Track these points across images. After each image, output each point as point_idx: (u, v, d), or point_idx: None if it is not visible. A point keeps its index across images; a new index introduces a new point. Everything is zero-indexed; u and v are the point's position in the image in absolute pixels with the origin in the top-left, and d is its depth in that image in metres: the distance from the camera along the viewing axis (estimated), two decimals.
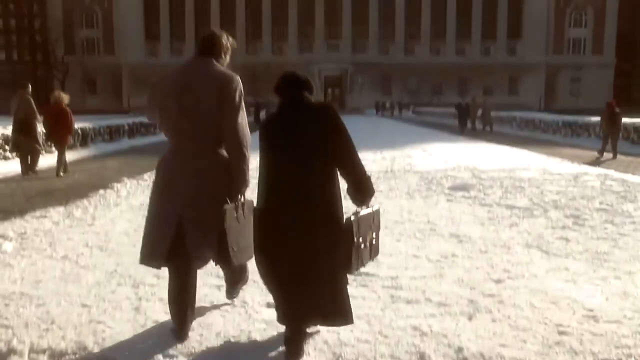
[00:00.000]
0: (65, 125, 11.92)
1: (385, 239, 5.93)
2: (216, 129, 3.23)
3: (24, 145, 11.92)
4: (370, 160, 13.89)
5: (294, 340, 3.16)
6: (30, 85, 12.53)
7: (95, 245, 5.79)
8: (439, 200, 8.36)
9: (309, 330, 3.36)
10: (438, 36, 76.59)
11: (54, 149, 12.88)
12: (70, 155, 15.44)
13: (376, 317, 3.79)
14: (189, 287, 3.40)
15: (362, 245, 3.14)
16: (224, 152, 3.30)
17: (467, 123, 28.17)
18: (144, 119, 25.27)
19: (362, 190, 3.17)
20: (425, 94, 74.07)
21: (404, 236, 6.12)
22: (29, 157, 12.03)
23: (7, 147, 13.49)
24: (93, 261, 5.20)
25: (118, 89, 75.32)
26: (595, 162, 14.31)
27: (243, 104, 3.31)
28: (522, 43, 76.77)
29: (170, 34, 77.01)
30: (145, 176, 11.10)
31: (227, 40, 3.52)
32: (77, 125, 16.05)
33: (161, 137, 23.91)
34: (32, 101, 12.02)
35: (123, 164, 14.05)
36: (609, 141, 16.03)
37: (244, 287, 4.05)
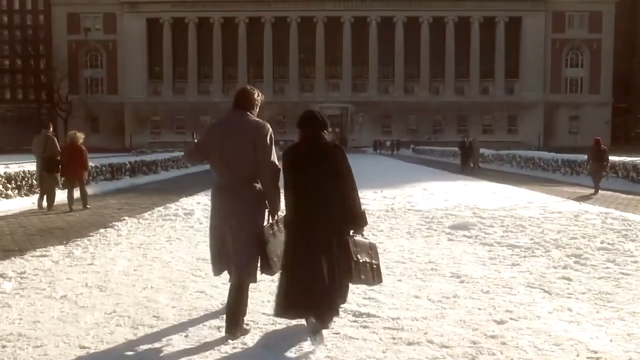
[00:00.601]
0: (80, 162, 12.60)
1: (386, 279, 5.89)
2: (252, 166, 4.12)
3: (48, 181, 12.67)
4: (371, 199, 13.91)
5: (314, 326, 4.00)
6: (51, 125, 13.54)
7: (94, 285, 5.75)
8: (440, 240, 8.34)
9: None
10: (437, 76, 77.78)
11: (62, 185, 13.45)
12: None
13: None
14: (240, 293, 4.21)
15: (360, 260, 4.01)
16: (258, 184, 4.17)
17: (470, 162, 28.00)
18: (145, 158, 25.45)
19: (355, 216, 4.08)
20: (424, 133, 74.71)
21: (405, 276, 6.09)
22: (48, 193, 12.67)
23: (9, 186, 13.55)
24: (92, 301, 5.17)
25: (120, 127, 76.08)
26: (581, 198, 14.78)
27: (273, 144, 4.21)
28: (520, 83, 77.90)
29: (173, 74, 78.23)
30: (146, 215, 11.10)
31: (257, 95, 4.38)
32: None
33: (162, 176, 24.07)
34: (56, 140, 12.93)
35: (124, 202, 14.06)
36: (597, 177, 16.67)
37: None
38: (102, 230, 9.21)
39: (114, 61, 78.28)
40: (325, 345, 3.94)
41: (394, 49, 76.46)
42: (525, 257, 7.09)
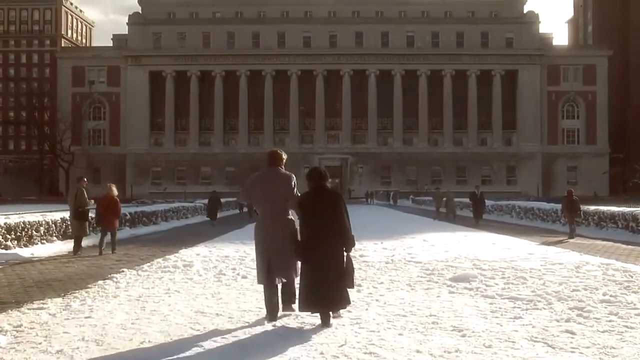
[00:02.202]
0: (114, 212, 14.17)
1: (387, 333, 5.83)
2: (285, 203, 6.29)
3: (79, 228, 14.01)
4: (372, 250, 13.85)
5: (325, 316, 6.03)
6: (85, 179, 14.93)
7: (91, 339, 5.67)
8: (440, 292, 8.26)
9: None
10: (435, 127, 78.87)
11: (98, 232, 14.97)
12: (71, 245, 15.45)
13: None
14: (275, 294, 6.41)
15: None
16: (290, 217, 6.36)
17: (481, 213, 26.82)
18: (145, 208, 25.49)
19: (347, 242, 6.09)
20: (424, 184, 75.04)
21: (406, 330, 6.01)
22: (75, 239, 13.97)
23: (8, 236, 13.54)
24: (88, 356, 5.09)
25: (121, 178, 76.36)
26: (555, 242, 16.22)
27: (297, 188, 6.41)
28: (517, 134, 78.91)
29: (174, 126, 79.27)
30: (145, 266, 11.03)
31: (283, 155, 6.60)
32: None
33: (162, 227, 24.04)
34: (85, 192, 14.25)
35: (123, 253, 13.98)
36: (571, 223, 18.49)
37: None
38: (100, 282, 9.14)
39: (116, 113, 79.56)
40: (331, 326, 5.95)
41: (392, 101, 77.83)
42: (527, 309, 7.01)
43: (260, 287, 6.75)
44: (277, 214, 6.25)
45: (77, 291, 8.39)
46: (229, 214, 37.41)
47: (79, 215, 13.90)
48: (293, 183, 6.32)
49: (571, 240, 17.18)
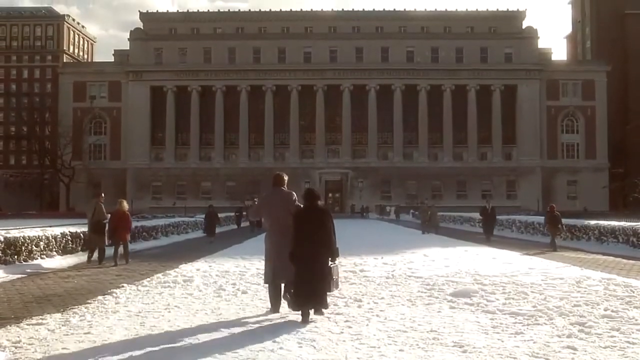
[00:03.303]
0: (126, 226, 15.26)
1: (387, 349, 5.81)
2: (289, 218, 7.44)
3: (97, 241, 15.15)
4: (372, 265, 13.81)
5: (304, 314, 7.14)
6: (103, 195, 16.33)
7: (90, 355, 5.64)
8: (441, 308, 8.23)
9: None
10: (435, 142, 79.04)
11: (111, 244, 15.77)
12: (71, 260, 15.42)
13: None
14: (278, 292, 7.80)
15: (334, 278, 7.40)
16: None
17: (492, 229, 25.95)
18: (145, 223, 25.46)
19: (331, 252, 7.38)
20: (424, 198, 74.88)
21: (407, 345, 5.98)
22: (98, 251, 15.16)
23: (8, 252, 13.51)
24: None
25: (122, 192, 76.25)
26: (540, 253, 17.58)
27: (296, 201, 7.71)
28: (517, 148, 79.05)
29: (175, 140, 79.44)
30: (145, 282, 10.99)
31: (285, 177, 7.98)
32: (78, 229, 17.20)
33: (162, 241, 23.96)
34: (103, 207, 15.36)
35: (123, 268, 13.95)
36: (553, 236, 20.03)
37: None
38: (100, 298, 9.11)
39: (117, 128, 79.78)
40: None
41: (392, 116, 78.07)
42: (528, 325, 6.98)
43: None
44: (281, 227, 7.52)
45: (77, 307, 8.36)
46: (227, 229, 37.23)
47: (96, 228, 15.05)
48: (294, 199, 7.66)
49: (555, 252, 18.17)
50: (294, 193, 7.71)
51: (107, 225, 15.20)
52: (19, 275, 12.57)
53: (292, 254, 7.24)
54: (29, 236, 14.38)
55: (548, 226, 20.67)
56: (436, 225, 31.42)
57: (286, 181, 7.91)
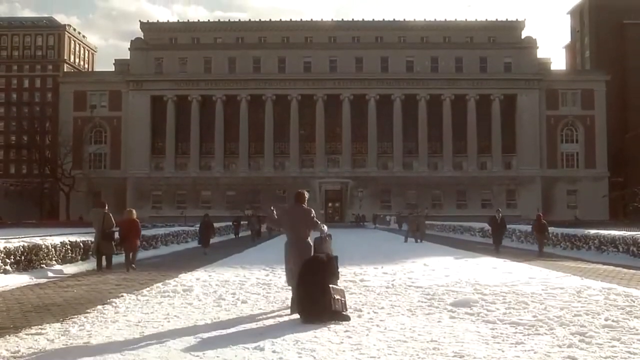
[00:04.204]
0: (135, 233, 15.96)
1: (387, 359, 5.79)
2: (307, 231, 8.70)
3: (106, 249, 15.77)
4: (372, 274, 13.79)
5: (302, 316, 7.90)
6: (107, 204, 16.68)
7: None
8: (441, 317, 8.21)
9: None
10: (435, 151, 79.11)
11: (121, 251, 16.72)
12: (71, 269, 15.41)
13: None
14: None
15: (335, 297, 8.00)
16: (309, 240, 8.67)
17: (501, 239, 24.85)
18: (145, 233, 25.39)
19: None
20: (424, 207, 74.86)
21: (407, 355, 5.97)
22: (106, 258, 15.81)
23: (7, 261, 13.48)
24: None
25: (122, 201, 76.26)
26: (529, 259, 18.72)
27: (317, 219, 8.83)
28: (517, 158, 79.10)
29: (175, 150, 79.49)
30: (145, 291, 10.97)
31: (306, 194, 9.00)
32: (78, 238, 17.31)
33: (162, 251, 23.92)
34: (111, 216, 15.96)
35: (122, 278, 13.92)
36: (540, 243, 21.35)
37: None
38: (99, 307, 9.08)
39: (117, 137, 79.86)
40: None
41: (392, 125, 78.19)
42: (529, 335, 6.96)
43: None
44: (299, 238, 8.63)
45: (76, 316, 8.34)
46: (226, 238, 37.15)
47: (106, 236, 15.69)
48: (312, 215, 8.75)
49: (540, 259, 19.20)
50: (312, 210, 8.81)
51: (115, 233, 15.98)
52: (19, 285, 12.54)
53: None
54: (28, 245, 14.35)
55: (535, 233, 21.79)
56: (423, 233, 32.56)
57: (307, 198, 8.98)
